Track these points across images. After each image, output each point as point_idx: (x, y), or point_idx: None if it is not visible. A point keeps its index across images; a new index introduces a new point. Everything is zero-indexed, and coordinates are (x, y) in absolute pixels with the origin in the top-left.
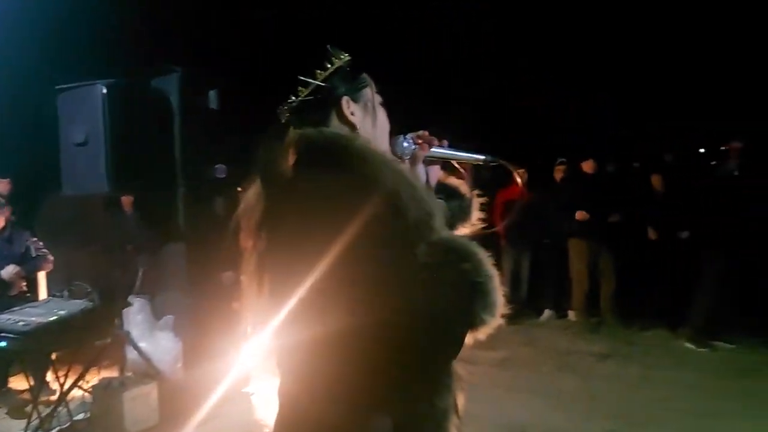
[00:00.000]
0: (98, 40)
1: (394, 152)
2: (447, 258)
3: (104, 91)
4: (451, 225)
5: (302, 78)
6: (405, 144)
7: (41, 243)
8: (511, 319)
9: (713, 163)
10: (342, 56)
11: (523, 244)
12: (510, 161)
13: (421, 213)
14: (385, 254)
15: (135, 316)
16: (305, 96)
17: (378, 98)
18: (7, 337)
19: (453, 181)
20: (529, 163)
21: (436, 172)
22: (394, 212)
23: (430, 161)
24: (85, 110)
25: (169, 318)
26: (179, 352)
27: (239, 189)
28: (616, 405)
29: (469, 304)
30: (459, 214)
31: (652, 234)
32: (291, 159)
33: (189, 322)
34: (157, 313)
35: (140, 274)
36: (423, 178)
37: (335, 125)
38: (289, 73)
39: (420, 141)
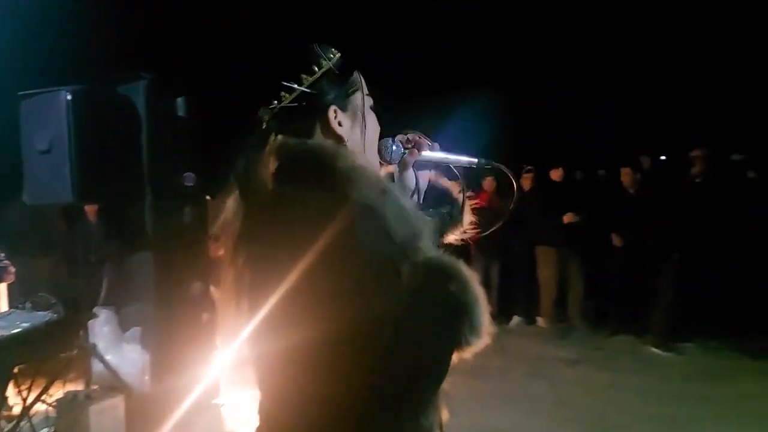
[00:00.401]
0: (64, 46)
1: (382, 156)
2: (432, 278)
3: (69, 97)
4: (442, 230)
5: (286, 83)
6: (394, 148)
7: (2, 254)
8: None
9: (675, 169)
10: (331, 55)
11: (493, 252)
12: (505, 164)
13: (407, 233)
14: (369, 274)
15: (101, 328)
16: (288, 102)
17: (369, 101)
18: None
19: (445, 183)
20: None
21: (427, 176)
22: (378, 233)
23: (420, 164)
24: (49, 117)
25: (136, 329)
26: (146, 364)
27: (208, 197)
28: (587, 410)
29: (454, 325)
30: (450, 219)
31: (616, 240)
32: (271, 170)
33: (157, 334)
34: (123, 325)
35: (105, 284)
36: (412, 182)
37: (319, 136)
38: (260, 80)
39: (409, 145)
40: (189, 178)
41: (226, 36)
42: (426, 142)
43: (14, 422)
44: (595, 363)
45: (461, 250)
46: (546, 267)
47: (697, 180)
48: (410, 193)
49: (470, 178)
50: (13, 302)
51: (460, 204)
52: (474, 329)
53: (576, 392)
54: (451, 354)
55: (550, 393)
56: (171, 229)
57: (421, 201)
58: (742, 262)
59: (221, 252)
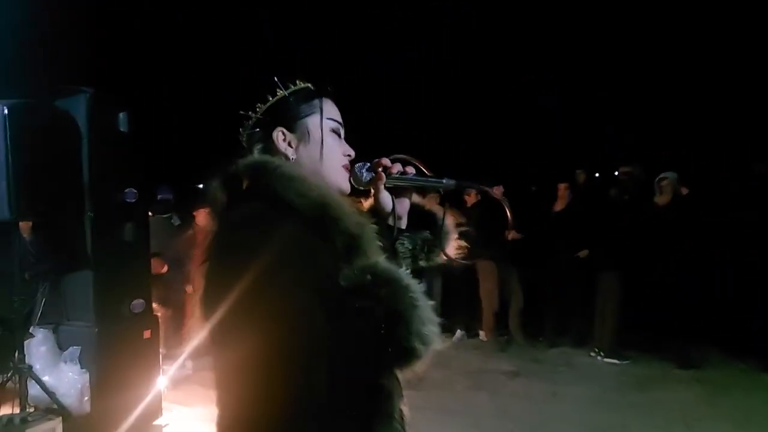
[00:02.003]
0: (1, 57)
1: (354, 181)
2: (365, 284)
3: (5, 111)
4: (427, 254)
5: (242, 112)
6: (364, 172)
7: None
8: None
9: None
10: (291, 86)
11: (434, 266)
12: (481, 184)
13: (346, 239)
14: (302, 278)
15: (38, 348)
16: (249, 129)
17: (330, 125)
18: None
19: (430, 207)
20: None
21: (405, 202)
22: (314, 238)
23: (397, 188)
24: None
25: (75, 349)
26: (86, 384)
27: (150, 214)
28: (528, 421)
29: (387, 332)
30: (432, 242)
31: (582, 254)
32: (225, 190)
33: (96, 353)
34: (62, 344)
35: (41, 302)
36: (388, 206)
37: (270, 155)
38: (202, 96)
39: (378, 169)
40: (130, 194)
41: (170, 51)
42: (396, 166)
43: None
44: (534, 375)
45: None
46: (487, 280)
47: (625, 197)
48: (385, 217)
49: (455, 198)
50: None
51: (442, 228)
52: (414, 336)
53: (516, 404)
54: (387, 361)
55: (491, 405)
56: (112, 246)
57: (402, 225)
58: (675, 274)
59: (163, 269)
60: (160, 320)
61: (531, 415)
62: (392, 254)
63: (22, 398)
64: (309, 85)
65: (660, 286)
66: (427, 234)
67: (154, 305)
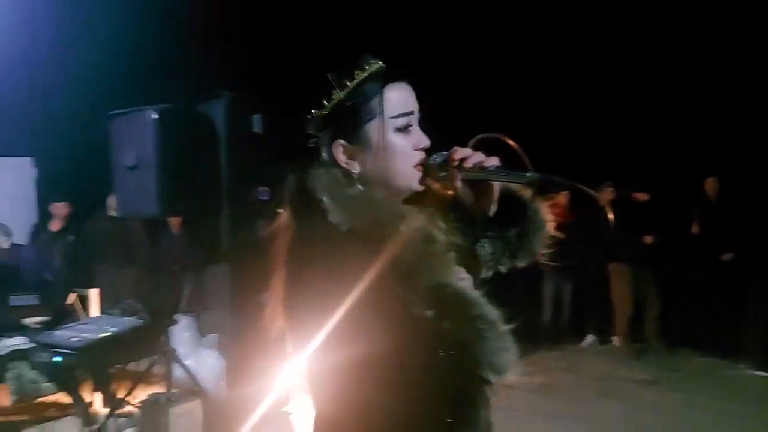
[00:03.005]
0: (150, 68)
1: (429, 177)
2: (427, 317)
3: (154, 116)
4: (510, 257)
5: (308, 116)
6: (437, 166)
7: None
8: (552, 344)
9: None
10: (347, 82)
11: (565, 268)
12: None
13: (404, 265)
14: (372, 300)
15: (181, 334)
16: (315, 134)
17: (395, 123)
18: (62, 352)
19: (525, 197)
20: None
21: (492, 194)
22: (360, 266)
23: (477, 180)
24: (136, 135)
25: (213, 336)
26: (222, 370)
27: (279, 211)
28: None
29: (454, 361)
30: (518, 243)
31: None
32: (295, 201)
33: (232, 341)
34: (202, 331)
35: (186, 292)
36: (468, 202)
37: (338, 167)
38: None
39: (453, 161)
40: (263, 192)
41: (300, 54)
42: (473, 158)
43: (103, 421)
44: (671, 385)
45: (533, 267)
46: (620, 284)
47: None
48: (468, 214)
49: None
50: (103, 308)
51: (532, 225)
52: (485, 366)
53: (650, 415)
54: (459, 386)
55: (622, 414)
56: (246, 241)
57: (489, 215)
58: None
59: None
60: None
61: (665, 427)
62: (471, 259)
63: (168, 379)
64: (369, 73)
65: None
66: (514, 231)
67: None
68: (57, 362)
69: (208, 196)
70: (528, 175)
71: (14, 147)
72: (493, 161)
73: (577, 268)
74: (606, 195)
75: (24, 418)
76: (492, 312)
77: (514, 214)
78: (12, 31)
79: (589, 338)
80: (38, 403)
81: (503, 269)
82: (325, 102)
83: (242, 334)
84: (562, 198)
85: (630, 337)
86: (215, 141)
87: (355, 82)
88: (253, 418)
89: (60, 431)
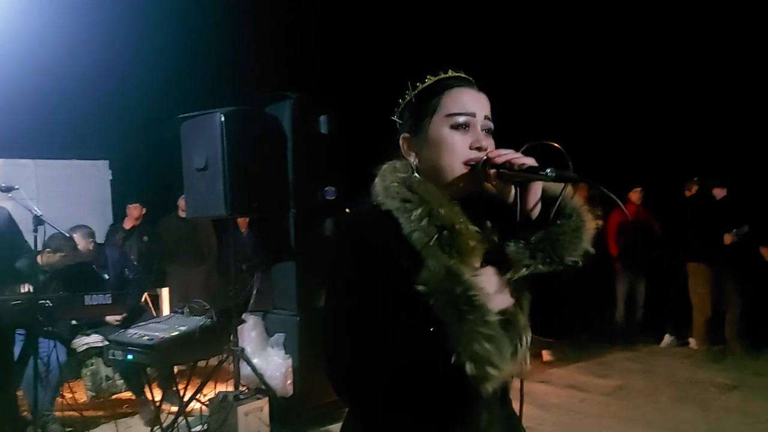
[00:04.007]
0: (218, 71)
1: (472, 171)
2: (418, 294)
3: (222, 118)
4: (556, 250)
5: (392, 118)
6: (478, 166)
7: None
8: (626, 345)
9: None
10: (419, 84)
11: (639, 267)
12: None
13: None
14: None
15: (249, 333)
16: (397, 130)
17: (449, 121)
18: (134, 350)
19: (568, 201)
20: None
21: (534, 193)
22: (393, 240)
23: (519, 180)
24: (205, 137)
25: (280, 335)
26: (289, 368)
27: (347, 210)
28: None
29: (436, 345)
30: (555, 243)
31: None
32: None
33: (299, 340)
34: (269, 330)
35: (254, 292)
36: (510, 198)
37: (399, 161)
38: (396, 99)
39: (494, 159)
40: (330, 192)
41: (366, 56)
42: (502, 157)
43: (174, 418)
44: (753, 390)
45: (606, 267)
46: (698, 284)
47: None
48: (503, 212)
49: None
50: (173, 307)
51: (569, 226)
52: (463, 353)
53: (731, 421)
54: (440, 373)
55: (701, 420)
56: (313, 241)
57: (525, 222)
58: None
59: None
60: None
61: None
62: (502, 257)
63: (236, 377)
64: (438, 78)
65: None
66: (552, 232)
67: None
68: (129, 360)
69: (276, 196)
70: (547, 171)
71: (92, 150)
72: (526, 160)
73: (651, 267)
74: (634, 195)
75: (99, 413)
76: (484, 299)
77: (555, 216)
78: (89, 41)
79: (667, 339)
80: (113, 399)
81: (543, 269)
82: (400, 101)
83: (308, 333)
84: (637, 195)
85: (708, 338)
86: (282, 142)
87: (426, 84)
88: (320, 417)
89: (134, 427)
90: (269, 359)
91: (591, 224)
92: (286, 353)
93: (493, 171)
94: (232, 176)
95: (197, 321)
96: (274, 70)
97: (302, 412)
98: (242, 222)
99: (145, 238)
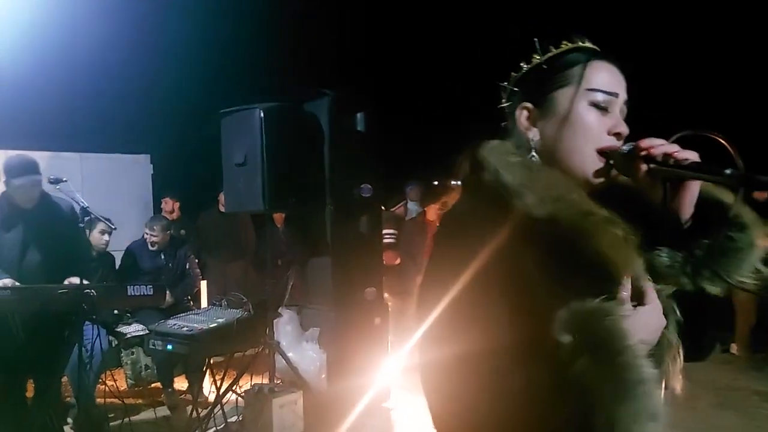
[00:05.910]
0: (258, 67)
1: (615, 167)
2: (568, 347)
3: (262, 114)
4: (696, 273)
5: (498, 83)
6: (623, 156)
7: (196, 260)
8: None
9: None
10: (554, 48)
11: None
12: None
13: (581, 270)
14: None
15: (284, 327)
16: (503, 102)
17: (590, 96)
18: (173, 341)
19: (742, 209)
20: None
21: (689, 193)
22: (546, 259)
23: (668, 176)
24: (245, 133)
25: (315, 330)
26: (324, 363)
27: (383, 208)
28: None
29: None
30: (708, 260)
31: None
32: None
33: (333, 335)
34: (304, 325)
35: (289, 286)
36: (656, 198)
37: (517, 135)
38: (432, 98)
39: (640, 149)
40: (366, 189)
41: (404, 54)
42: (662, 149)
43: (209, 408)
44: None
45: None
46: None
47: None
48: (646, 214)
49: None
50: (211, 300)
51: (731, 243)
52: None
53: None
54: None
55: (741, 427)
56: (348, 237)
57: (674, 227)
58: None
59: (396, 261)
60: (389, 309)
61: None
62: (649, 270)
63: (271, 371)
64: (577, 45)
65: None
66: (706, 245)
67: (385, 294)
68: (169, 350)
69: (312, 192)
70: (728, 172)
71: (133, 144)
72: (689, 155)
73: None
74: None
75: (139, 401)
76: (646, 365)
77: (712, 225)
78: (135, 39)
79: None
80: (152, 388)
81: (688, 287)
82: (523, 65)
83: (343, 328)
84: None
85: (751, 345)
86: (320, 138)
87: (561, 50)
88: (354, 413)
89: (172, 416)
90: (304, 353)
91: (764, 240)
92: (321, 348)
93: (643, 165)
94: (270, 172)
95: (235, 313)
96: (312, 68)
97: (336, 408)
98: (278, 217)
99: (183, 232)
